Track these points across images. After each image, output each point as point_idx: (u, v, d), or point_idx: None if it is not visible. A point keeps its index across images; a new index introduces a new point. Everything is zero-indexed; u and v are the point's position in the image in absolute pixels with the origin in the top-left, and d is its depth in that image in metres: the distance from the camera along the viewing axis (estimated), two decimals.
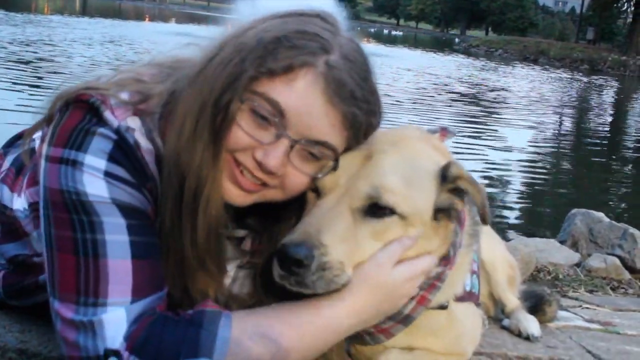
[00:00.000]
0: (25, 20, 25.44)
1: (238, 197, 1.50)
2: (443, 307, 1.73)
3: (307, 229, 1.46)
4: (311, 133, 1.45)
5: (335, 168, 1.53)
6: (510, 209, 7.24)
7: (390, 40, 53.37)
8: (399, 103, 13.16)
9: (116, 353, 1.33)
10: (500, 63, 36.73)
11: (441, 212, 1.58)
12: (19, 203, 1.73)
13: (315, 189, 1.56)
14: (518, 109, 16.23)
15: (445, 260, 1.64)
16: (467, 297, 1.82)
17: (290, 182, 1.50)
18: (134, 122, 1.46)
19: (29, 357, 1.72)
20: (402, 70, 21.47)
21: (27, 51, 14.86)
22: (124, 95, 1.47)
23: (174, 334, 1.36)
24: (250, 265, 1.66)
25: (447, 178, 1.56)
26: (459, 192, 1.58)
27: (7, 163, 1.87)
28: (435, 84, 18.94)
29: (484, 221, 1.60)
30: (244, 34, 1.47)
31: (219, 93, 1.41)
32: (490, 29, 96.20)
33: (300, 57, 1.41)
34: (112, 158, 1.41)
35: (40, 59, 13.58)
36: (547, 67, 39.13)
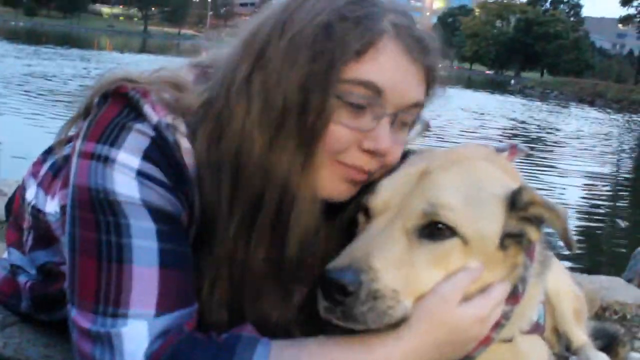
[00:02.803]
0: (88, 56, 26.42)
1: (350, 191, 1.40)
2: (507, 340, 1.54)
3: (354, 252, 1.26)
4: (405, 100, 1.35)
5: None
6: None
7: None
8: (454, 140, 13.00)
9: None
10: (556, 104, 36.17)
11: (510, 239, 1.36)
12: (51, 206, 1.63)
13: (366, 212, 1.40)
14: (576, 147, 15.86)
15: (514, 297, 1.42)
16: (534, 328, 1.61)
17: (392, 157, 1.40)
18: (176, 120, 1.33)
19: None
20: (458, 110, 21.30)
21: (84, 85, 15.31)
22: (166, 93, 1.35)
23: (202, 358, 1.20)
24: (296, 280, 1.52)
25: (517, 204, 1.35)
26: (533, 220, 1.37)
27: (45, 167, 1.79)
28: (491, 123, 18.66)
29: (568, 248, 1.37)
30: (291, 26, 1.31)
31: (302, 96, 1.28)
32: (545, 70, 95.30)
33: (375, 28, 1.31)
34: (147, 156, 1.27)
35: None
36: (604, 109, 38.28)
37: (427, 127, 1.63)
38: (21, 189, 1.86)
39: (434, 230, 1.29)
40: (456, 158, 1.43)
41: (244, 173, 1.29)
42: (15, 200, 1.90)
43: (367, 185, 1.44)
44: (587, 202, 9.32)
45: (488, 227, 1.33)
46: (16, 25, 76.21)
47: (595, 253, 6.93)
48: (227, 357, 1.20)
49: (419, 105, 1.41)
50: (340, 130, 1.31)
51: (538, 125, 20.65)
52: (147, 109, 1.30)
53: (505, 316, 1.44)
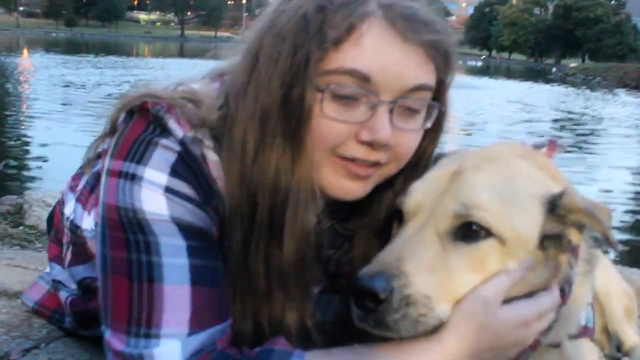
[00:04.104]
0: (129, 63, 26.81)
1: (359, 188, 1.35)
2: (555, 345, 1.48)
3: (386, 258, 1.23)
4: (402, 84, 1.28)
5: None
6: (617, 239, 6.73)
7: (482, 72, 52.57)
8: (499, 134, 12.82)
9: None
10: (600, 90, 35.32)
11: (549, 240, 1.30)
12: (88, 222, 1.64)
13: (399, 215, 1.36)
14: (621, 135, 15.43)
15: (561, 297, 1.37)
16: (582, 332, 1.55)
17: (402, 147, 1.34)
18: (201, 134, 1.31)
19: None
20: (503, 102, 20.94)
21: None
22: (189, 108, 1.33)
23: None
24: (335, 289, 1.49)
25: (556, 209, 1.30)
26: (574, 224, 1.31)
27: (82, 181, 1.80)
28: (538, 115, 18.32)
29: (612, 249, 1.32)
30: (277, 21, 1.30)
31: (284, 91, 1.25)
32: (586, 56, 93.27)
33: (356, 12, 1.24)
34: (174, 172, 1.26)
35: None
36: None
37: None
38: (61, 202, 1.87)
39: (468, 232, 1.25)
40: (489, 157, 1.39)
41: (243, 178, 1.28)
42: (55, 214, 1.91)
43: (391, 184, 1.41)
44: (636, 197, 9.03)
45: (526, 226, 1.28)
46: (57, 36, 77.94)
47: None
48: None
49: (424, 89, 1.32)
50: (330, 124, 1.27)
51: (584, 114, 20.17)
52: (172, 124, 1.29)
53: (556, 318, 1.38)
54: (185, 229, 1.25)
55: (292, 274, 1.32)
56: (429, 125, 1.38)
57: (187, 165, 1.28)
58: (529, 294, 1.30)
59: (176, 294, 1.21)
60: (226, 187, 1.30)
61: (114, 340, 1.23)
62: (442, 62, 1.34)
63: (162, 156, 1.27)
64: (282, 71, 1.25)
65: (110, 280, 1.26)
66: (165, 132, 1.29)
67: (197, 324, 1.21)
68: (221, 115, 1.33)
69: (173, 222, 1.24)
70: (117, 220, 1.25)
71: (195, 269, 1.23)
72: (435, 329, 1.21)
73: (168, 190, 1.25)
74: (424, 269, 1.21)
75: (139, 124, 1.32)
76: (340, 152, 1.30)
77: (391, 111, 1.29)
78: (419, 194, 1.33)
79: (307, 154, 1.27)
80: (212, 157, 1.31)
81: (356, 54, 1.25)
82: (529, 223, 1.28)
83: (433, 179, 1.35)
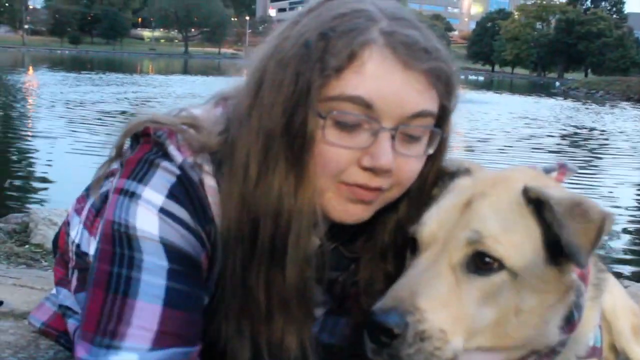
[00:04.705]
0: (133, 81, 26.97)
1: (362, 212, 1.36)
2: None
3: (399, 292, 1.23)
4: (404, 110, 1.29)
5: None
6: (622, 252, 6.71)
7: (485, 86, 52.64)
8: (503, 150, 12.81)
9: None
10: (602, 104, 35.32)
11: (557, 254, 1.27)
12: (93, 248, 1.64)
13: (413, 243, 1.35)
14: (626, 149, 15.41)
15: (569, 325, 1.37)
16: (591, 353, 1.54)
17: (403, 173, 1.35)
18: (201, 159, 1.34)
19: None
20: (508, 117, 20.93)
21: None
22: (190, 133, 1.36)
23: None
24: (341, 312, 1.49)
25: (532, 201, 1.29)
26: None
27: (88, 204, 1.81)
28: (536, 129, 18.31)
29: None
30: (281, 47, 1.32)
31: (286, 118, 1.27)
32: (589, 70, 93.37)
33: (357, 39, 1.26)
34: (172, 194, 1.29)
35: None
36: None
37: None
38: (66, 224, 1.87)
39: (480, 263, 1.25)
40: (497, 182, 1.38)
41: (245, 202, 1.29)
42: (61, 235, 1.91)
43: (395, 208, 1.41)
44: None
45: (528, 246, 1.27)
46: (62, 54, 78.43)
47: None
48: None
49: (426, 115, 1.33)
50: (332, 151, 1.28)
51: (586, 127, 20.17)
52: (172, 150, 1.32)
53: (561, 344, 1.39)
54: (171, 252, 1.27)
55: (293, 298, 1.33)
56: (431, 151, 1.39)
57: (185, 189, 1.30)
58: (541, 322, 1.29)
59: (146, 311, 1.23)
60: (225, 209, 1.31)
61: (79, 348, 1.25)
62: (444, 88, 1.34)
63: (163, 178, 1.30)
64: (284, 97, 1.27)
65: (91, 291, 1.28)
66: (166, 155, 1.32)
67: (160, 342, 1.23)
68: (222, 140, 1.35)
69: (161, 242, 1.26)
70: (110, 234, 1.28)
71: (171, 292, 1.25)
72: None
73: (162, 211, 1.27)
74: (438, 304, 1.21)
75: (144, 147, 1.36)
76: (343, 179, 1.31)
77: (393, 137, 1.30)
78: (434, 224, 1.33)
79: (310, 179, 1.29)
80: (209, 182, 1.33)
81: (358, 81, 1.26)
82: (528, 239, 1.28)
83: (447, 208, 1.35)
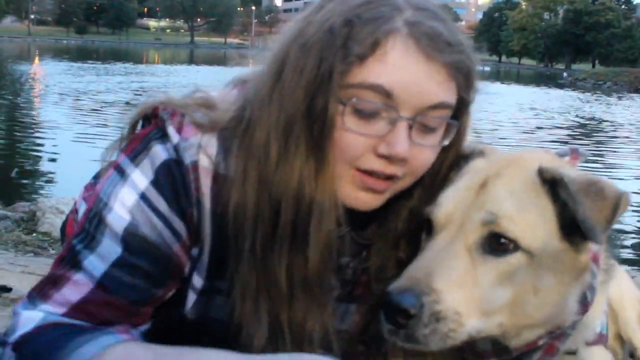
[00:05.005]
0: (139, 70, 26.98)
1: (373, 200, 1.36)
2: (571, 352, 1.48)
3: (415, 273, 1.24)
4: (423, 101, 1.29)
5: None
6: (628, 242, 6.70)
7: (492, 77, 52.44)
8: (510, 141, 12.78)
9: (3, 344, 1.24)
10: (610, 95, 35.18)
11: (571, 232, 1.28)
12: None
13: (429, 224, 1.36)
14: (633, 140, 15.36)
15: (583, 306, 1.37)
16: (597, 339, 1.56)
17: (418, 161, 1.35)
18: (205, 138, 1.34)
19: None
20: (516, 108, 20.86)
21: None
22: (198, 112, 1.37)
23: (52, 335, 1.23)
24: (351, 298, 1.50)
25: (546, 181, 1.30)
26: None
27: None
28: (544, 120, 18.26)
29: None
30: (304, 32, 1.31)
31: (307, 102, 1.27)
32: (597, 61, 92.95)
33: (382, 28, 1.25)
34: (156, 180, 1.31)
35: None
36: None
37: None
38: (74, 212, 1.88)
39: (496, 244, 1.25)
40: (512, 163, 1.39)
41: (265, 184, 1.29)
42: (69, 223, 1.92)
43: (409, 196, 1.42)
44: None
45: (543, 226, 1.28)
46: (68, 44, 78.51)
47: None
48: (65, 341, 1.21)
49: (444, 107, 1.33)
50: (350, 137, 1.28)
51: (593, 118, 20.11)
52: (170, 129, 1.34)
53: (572, 326, 1.40)
54: (133, 242, 1.29)
55: (315, 281, 1.33)
56: (446, 142, 1.39)
57: (171, 175, 1.32)
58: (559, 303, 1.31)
59: (78, 284, 1.28)
60: (240, 189, 1.31)
61: (19, 303, 1.31)
62: (464, 81, 1.34)
63: (152, 160, 1.32)
64: (306, 82, 1.27)
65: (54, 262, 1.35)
66: (165, 135, 1.34)
67: (72, 313, 1.27)
68: (234, 117, 1.36)
69: (127, 229, 1.29)
70: (91, 209, 1.34)
71: (109, 277, 1.28)
72: (465, 343, 1.23)
73: (143, 197, 1.31)
74: (454, 284, 1.22)
75: (149, 127, 1.39)
76: (358, 165, 1.31)
77: (410, 127, 1.30)
78: (450, 205, 1.34)
79: (330, 165, 1.29)
80: (204, 163, 1.33)
81: (380, 70, 1.26)
82: (544, 220, 1.28)
83: (462, 189, 1.35)
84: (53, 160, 9.07)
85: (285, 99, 1.29)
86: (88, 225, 1.32)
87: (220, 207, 1.33)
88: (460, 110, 1.39)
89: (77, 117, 13.00)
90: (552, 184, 1.29)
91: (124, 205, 1.30)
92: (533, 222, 1.27)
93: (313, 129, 1.27)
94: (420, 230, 1.41)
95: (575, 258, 1.31)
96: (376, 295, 1.43)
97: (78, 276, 1.28)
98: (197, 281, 1.40)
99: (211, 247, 1.37)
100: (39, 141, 10.64)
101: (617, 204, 1.24)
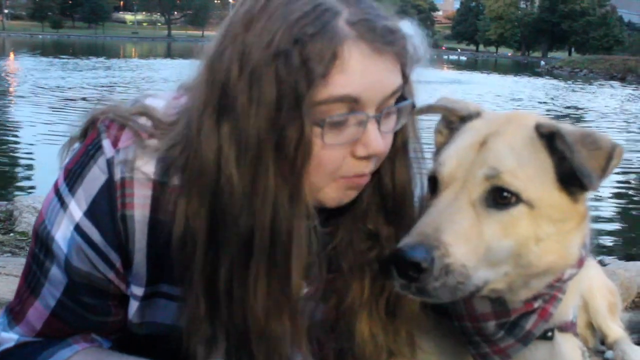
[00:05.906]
0: (117, 65, 26.69)
1: (353, 194, 1.38)
2: (547, 337, 1.54)
3: (424, 228, 1.28)
4: (383, 94, 1.29)
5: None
6: (605, 230, 6.80)
7: (469, 66, 52.70)
8: None
9: None
10: (585, 83, 35.52)
11: (570, 183, 1.34)
12: None
13: (433, 182, 1.41)
14: (607, 128, 15.52)
15: (579, 260, 1.44)
16: (568, 326, 1.61)
17: (386, 147, 1.36)
18: (140, 150, 1.32)
19: None
20: (493, 97, 20.93)
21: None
22: (138, 123, 1.36)
23: (29, 350, 1.42)
24: (318, 297, 1.48)
25: (544, 136, 1.37)
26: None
27: None
28: (522, 108, 18.38)
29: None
30: (246, 58, 1.21)
31: (277, 133, 1.21)
32: (573, 49, 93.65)
33: (333, 39, 1.21)
34: (89, 210, 1.34)
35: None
36: (636, 84, 37.44)
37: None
38: None
39: (499, 198, 1.32)
40: (510, 121, 1.44)
41: (226, 217, 1.24)
42: None
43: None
44: (625, 186, 9.11)
45: (543, 178, 1.34)
46: (43, 39, 77.49)
47: (631, 239, 6.80)
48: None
49: (398, 90, 1.33)
50: (329, 153, 1.27)
51: (569, 106, 20.29)
52: (105, 143, 1.35)
53: (562, 290, 1.46)
54: (72, 271, 1.37)
55: (294, 301, 1.30)
56: (404, 121, 1.40)
57: (105, 201, 1.33)
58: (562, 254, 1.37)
59: (38, 312, 1.42)
60: (182, 222, 1.28)
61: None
62: (406, 58, 1.34)
63: (87, 186, 1.34)
64: (268, 112, 1.20)
65: (21, 276, 1.47)
66: (101, 149, 1.35)
67: (39, 334, 1.44)
68: (174, 144, 1.32)
69: (65, 260, 1.36)
70: (37, 232, 1.41)
71: (60, 305, 1.40)
72: (472, 294, 1.30)
73: (77, 229, 1.35)
74: (461, 238, 1.27)
75: (90, 137, 1.40)
76: (342, 174, 1.31)
77: (379, 122, 1.31)
78: (453, 163, 1.38)
79: (304, 186, 1.26)
80: (139, 177, 1.32)
81: (343, 81, 1.22)
82: (541, 170, 1.35)
83: (464, 148, 1.40)
84: (30, 158, 8.98)
85: (243, 133, 1.21)
86: (38, 251, 1.40)
87: (163, 214, 1.31)
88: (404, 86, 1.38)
89: (53, 114, 12.84)
90: (549, 138, 1.36)
91: (63, 237, 1.36)
92: (533, 175, 1.33)
93: (286, 157, 1.22)
94: (403, 203, 1.46)
95: (573, 207, 1.37)
96: (350, 271, 1.45)
97: (37, 303, 1.41)
98: (137, 290, 1.40)
99: (148, 255, 1.36)
100: (15, 139, 10.53)
101: (611, 153, 1.30)
